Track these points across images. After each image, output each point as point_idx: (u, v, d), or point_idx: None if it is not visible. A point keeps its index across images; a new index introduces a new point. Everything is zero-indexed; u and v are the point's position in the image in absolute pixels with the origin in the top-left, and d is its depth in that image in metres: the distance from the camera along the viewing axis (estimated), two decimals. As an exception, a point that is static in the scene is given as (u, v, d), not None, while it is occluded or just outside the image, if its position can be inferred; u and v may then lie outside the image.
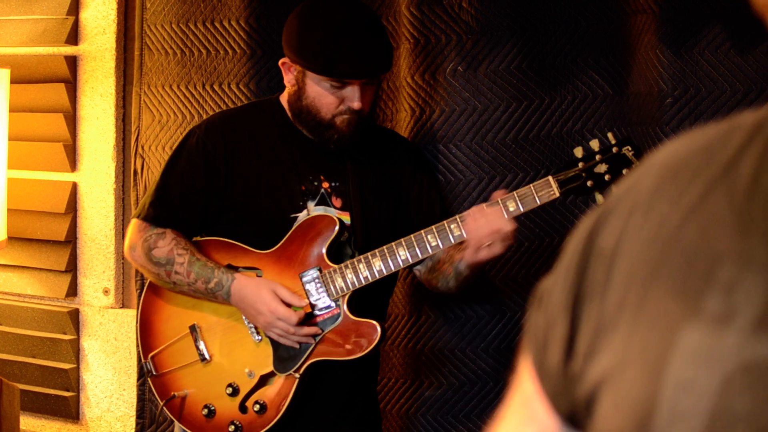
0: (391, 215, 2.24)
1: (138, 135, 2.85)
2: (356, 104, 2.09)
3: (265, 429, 2.14)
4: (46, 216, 2.99)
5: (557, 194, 1.99)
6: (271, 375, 2.15)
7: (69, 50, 2.96)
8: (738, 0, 2.14)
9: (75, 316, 3.01)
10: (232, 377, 2.17)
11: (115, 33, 2.90)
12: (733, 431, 0.53)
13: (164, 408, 2.23)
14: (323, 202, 2.17)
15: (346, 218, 2.17)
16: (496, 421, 0.77)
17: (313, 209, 2.16)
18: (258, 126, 2.21)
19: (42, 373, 3.03)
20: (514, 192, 2.01)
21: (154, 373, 2.23)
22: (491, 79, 2.46)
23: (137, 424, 2.89)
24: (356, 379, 2.24)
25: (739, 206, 0.58)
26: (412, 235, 2.07)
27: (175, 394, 2.21)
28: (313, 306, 2.12)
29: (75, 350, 3.01)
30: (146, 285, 2.27)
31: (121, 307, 3.00)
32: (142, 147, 2.84)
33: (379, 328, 2.09)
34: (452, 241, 2.06)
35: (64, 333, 3.02)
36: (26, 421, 3.07)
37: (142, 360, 2.27)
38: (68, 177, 2.99)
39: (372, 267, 2.07)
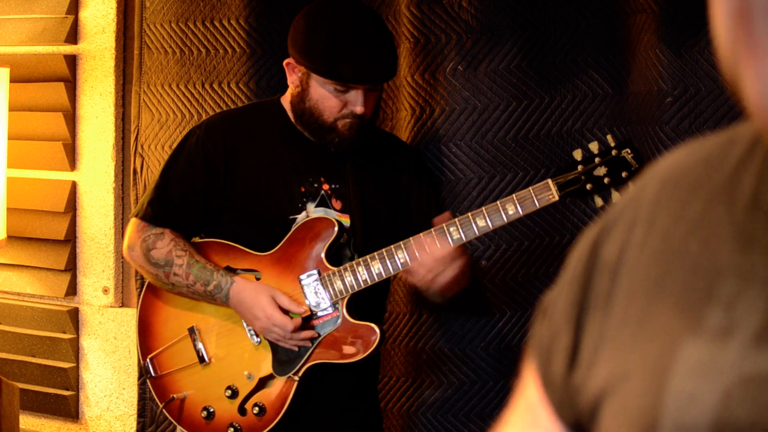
0: (391, 218, 2.24)
1: (137, 134, 2.85)
2: (359, 109, 2.08)
3: (264, 431, 2.14)
4: (45, 215, 2.99)
5: (556, 197, 1.99)
6: (270, 377, 2.14)
7: (68, 49, 2.96)
8: None
9: (74, 315, 3.01)
10: (232, 379, 2.17)
11: (115, 32, 2.90)
12: None
13: (163, 410, 2.23)
14: (323, 203, 2.17)
15: (346, 220, 2.16)
16: (500, 424, 0.78)
17: (313, 211, 2.15)
18: (258, 127, 2.21)
19: (41, 372, 3.03)
20: (513, 195, 2.00)
21: (153, 374, 2.23)
22: (491, 79, 2.46)
23: (138, 423, 2.89)
24: (356, 381, 2.23)
25: (740, 222, 0.58)
26: (410, 239, 2.06)
27: (174, 396, 2.21)
28: (312, 309, 2.12)
29: (74, 349, 3.01)
30: (145, 286, 2.27)
31: (120, 306, 3.00)
32: (142, 146, 2.84)
33: (378, 331, 2.09)
34: (400, 268, 2.05)
35: (64, 332, 3.02)
36: (26, 420, 3.07)
37: (141, 361, 2.27)
38: (68, 176, 2.99)
39: (371, 270, 2.07)
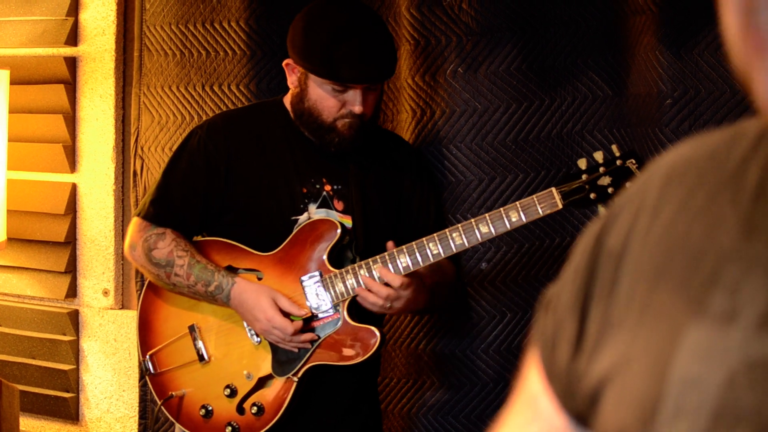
0: (393, 219, 2.24)
1: (137, 136, 2.85)
2: (357, 108, 2.08)
3: (262, 431, 2.14)
4: (45, 217, 2.99)
5: (560, 206, 2.00)
6: (269, 378, 2.14)
7: (68, 51, 2.96)
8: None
9: (75, 317, 3.01)
10: (231, 378, 2.17)
11: (115, 34, 2.90)
12: (736, 427, 0.54)
13: (162, 407, 2.23)
14: (325, 204, 2.17)
15: (348, 221, 2.17)
16: (499, 422, 0.78)
17: (315, 212, 2.15)
18: (260, 127, 2.21)
19: (42, 374, 3.03)
20: (517, 203, 2.02)
21: (153, 371, 2.24)
22: (491, 81, 2.46)
23: (140, 424, 2.89)
24: (357, 383, 2.23)
25: (745, 211, 0.59)
26: (413, 242, 2.06)
27: (173, 393, 2.21)
28: (312, 310, 2.12)
29: (75, 351, 3.01)
30: (146, 284, 2.27)
31: (120, 308, 2.99)
32: (142, 148, 2.84)
33: (378, 334, 2.09)
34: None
35: (64, 334, 3.02)
36: (26, 422, 3.07)
37: (141, 358, 2.27)
38: (68, 178, 2.99)
39: (373, 273, 2.07)
